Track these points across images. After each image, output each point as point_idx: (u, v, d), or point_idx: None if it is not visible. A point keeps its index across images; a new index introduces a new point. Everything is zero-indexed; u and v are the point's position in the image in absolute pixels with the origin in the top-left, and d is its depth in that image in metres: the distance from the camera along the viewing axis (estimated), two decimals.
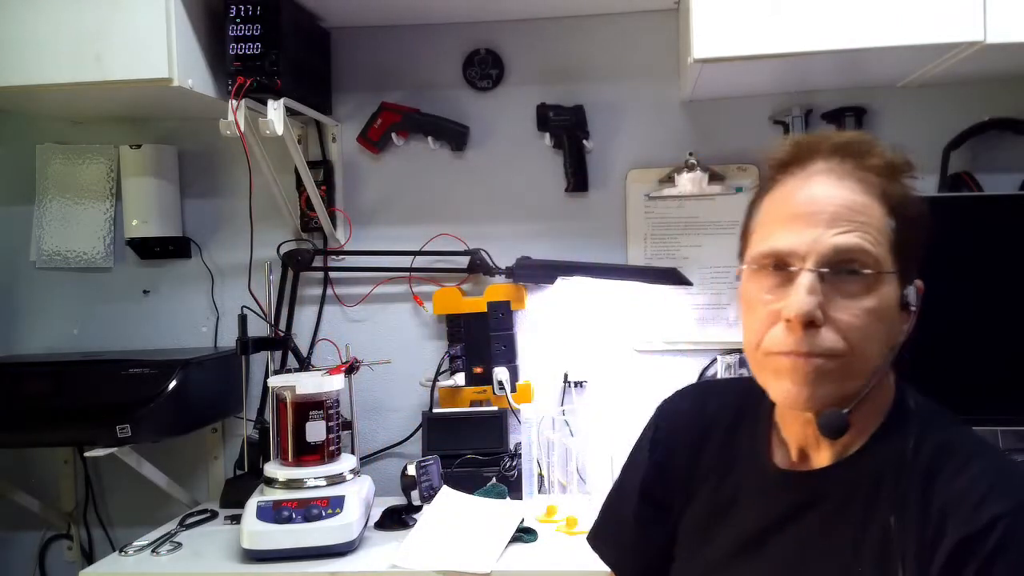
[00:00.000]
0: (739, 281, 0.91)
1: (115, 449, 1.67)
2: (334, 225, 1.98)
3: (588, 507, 1.63)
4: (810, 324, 0.81)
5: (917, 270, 0.88)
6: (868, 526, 0.85)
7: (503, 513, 1.62)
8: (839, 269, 0.82)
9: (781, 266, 0.84)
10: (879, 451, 0.88)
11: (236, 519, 1.65)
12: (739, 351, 1.90)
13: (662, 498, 1.02)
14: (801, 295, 0.81)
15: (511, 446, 1.87)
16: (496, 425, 1.86)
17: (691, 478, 1.00)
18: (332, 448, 1.66)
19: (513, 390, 1.92)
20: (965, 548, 0.78)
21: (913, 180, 0.88)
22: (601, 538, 1.10)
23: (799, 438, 0.92)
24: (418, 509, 1.69)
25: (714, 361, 1.91)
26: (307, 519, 1.52)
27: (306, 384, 1.64)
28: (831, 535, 0.86)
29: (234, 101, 1.61)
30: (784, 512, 0.90)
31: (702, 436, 1.01)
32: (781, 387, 0.85)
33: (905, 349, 0.89)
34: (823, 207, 0.83)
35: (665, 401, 1.09)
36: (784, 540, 0.89)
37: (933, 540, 0.80)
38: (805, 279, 0.81)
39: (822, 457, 0.91)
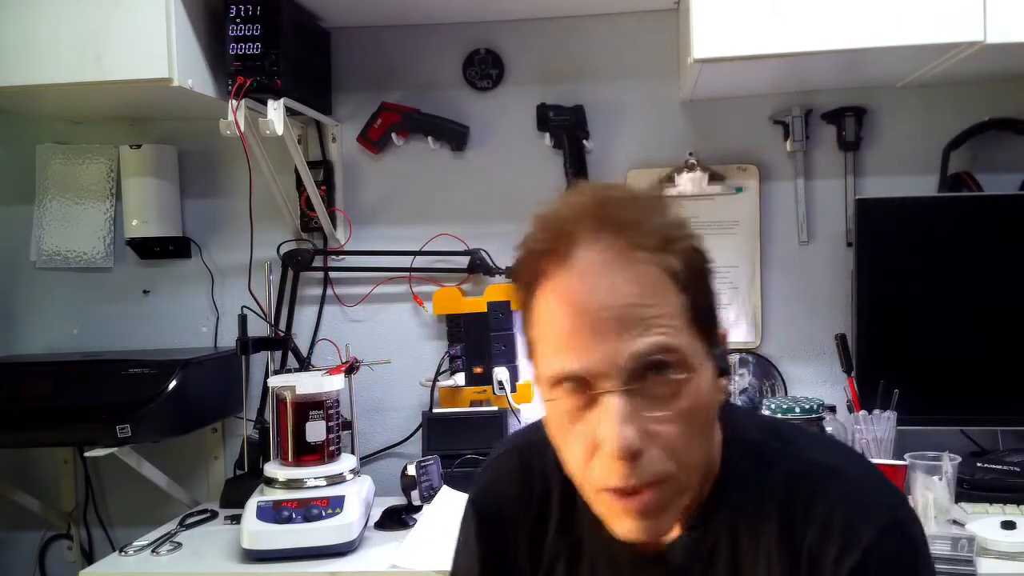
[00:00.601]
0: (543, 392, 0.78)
1: (115, 449, 1.67)
2: (334, 225, 1.98)
3: None
4: (631, 456, 0.71)
5: (718, 321, 0.78)
6: None
7: None
8: (646, 375, 0.71)
9: (581, 387, 0.72)
10: (726, 505, 0.81)
11: (236, 519, 1.65)
12: (739, 351, 1.90)
13: None
14: (615, 428, 0.70)
15: None
16: (496, 425, 1.86)
17: (536, 568, 0.89)
18: (332, 448, 1.66)
19: (513, 390, 1.92)
20: None
21: (690, 231, 0.76)
22: None
23: None
24: (418, 509, 1.69)
25: None
26: (307, 519, 1.52)
27: (306, 384, 1.64)
28: None
29: (234, 101, 1.61)
30: None
31: (537, 513, 0.89)
32: (622, 527, 0.75)
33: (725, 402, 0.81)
34: (607, 312, 0.70)
35: (479, 480, 0.96)
36: None
37: None
38: (614, 405, 0.70)
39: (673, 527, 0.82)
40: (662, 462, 0.72)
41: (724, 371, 0.78)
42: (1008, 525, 1.43)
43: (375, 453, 2.00)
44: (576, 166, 1.92)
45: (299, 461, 1.64)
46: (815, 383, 1.90)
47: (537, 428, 0.87)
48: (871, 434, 1.62)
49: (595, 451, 0.73)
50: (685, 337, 0.73)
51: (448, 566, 0.96)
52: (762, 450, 0.82)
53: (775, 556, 0.77)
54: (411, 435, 1.99)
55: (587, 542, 0.86)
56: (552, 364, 0.74)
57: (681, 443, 0.73)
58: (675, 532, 0.82)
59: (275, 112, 1.64)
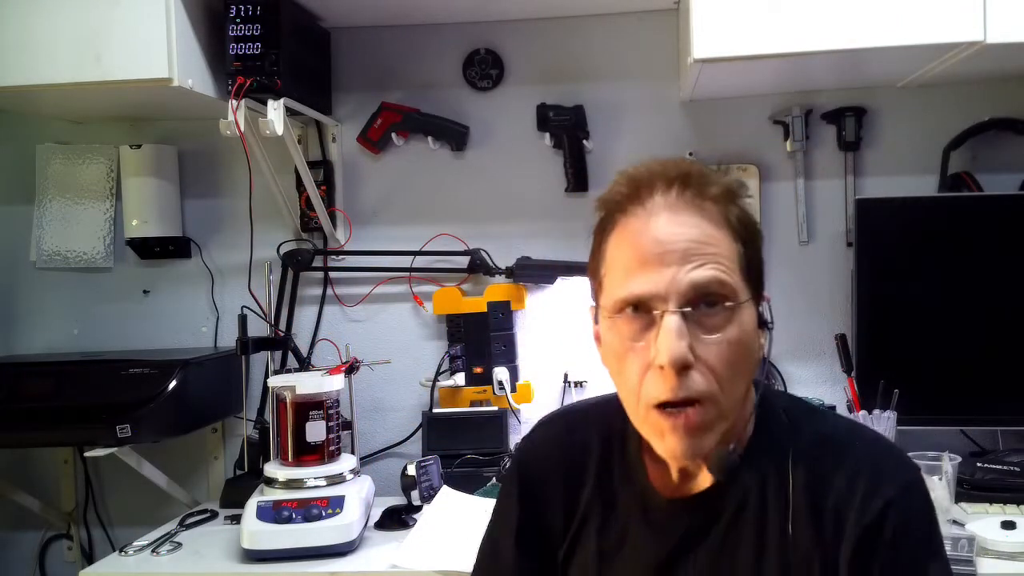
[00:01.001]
0: (596, 324, 0.90)
1: (115, 449, 1.67)
2: (334, 225, 1.98)
3: None
4: (681, 368, 0.80)
5: (763, 279, 0.89)
6: (765, 539, 0.86)
7: None
8: (699, 305, 0.81)
9: (642, 310, 0.82)
10: (758, 462, 0.88)
11: (236, 519, 1.65)
12: None
13: (542, 546, 0.97)
14: (672, 340, 0.79)
15: (511, 446, 1.86)
16: (496, 425, 1.86)
17: (571, 521, 0.95)
18: (332, 448, 1.66)
19: (513, 390, 1.92)
20: (867, 541, 0.82)
21: (747, 199, 0.89)
22: None
23: (677, 464, 0.91)
24: (418, 509, 1.69)
25: None
26: (307, 519, 1.52)
27: (306, 384, 1.64)
28: (731, 555, 0.87)
29: (234, 101, 1.61)
30: (679, 542, 0.89)
31: (574, 473, 0.96)
32: (667, 446, 0.83)
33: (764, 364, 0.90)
34: (673, 244, 0.81)
35: (524, 441, 1.04)
36: (685, 569, 0.88)
37: (833, 540, 0.83)
38: (671, 322, 0.80)
39: (704, 477, 0.89)
40: (707, 382, 0.80)
41: (764, 324, 0.88)
42: (1008, 525, 1.43)
43: (375, 453, 2.00)
44: (576, 166, 1.92)
45: (299, 461, 1.64)
46: (815, 383, 1.90)
47: (582, 402, 1.02)
48: None
49: (648, 369, 0.81)
50: (737, 278, 0.83)
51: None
52: (792, 415, 0.91)
53: (803, 511, 0.84)
54: (411, 435, 1.99)
55: (621, 495, 0.93)
56: (621, 289, 0.83)
57: (724, 369, 0.81)
58: (705, 484, 0.89)
59: (275, 112, 1.64)
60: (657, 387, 0.81)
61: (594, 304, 0.90)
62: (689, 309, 0.81)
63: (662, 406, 0.81)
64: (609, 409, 0.94)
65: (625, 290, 0.83)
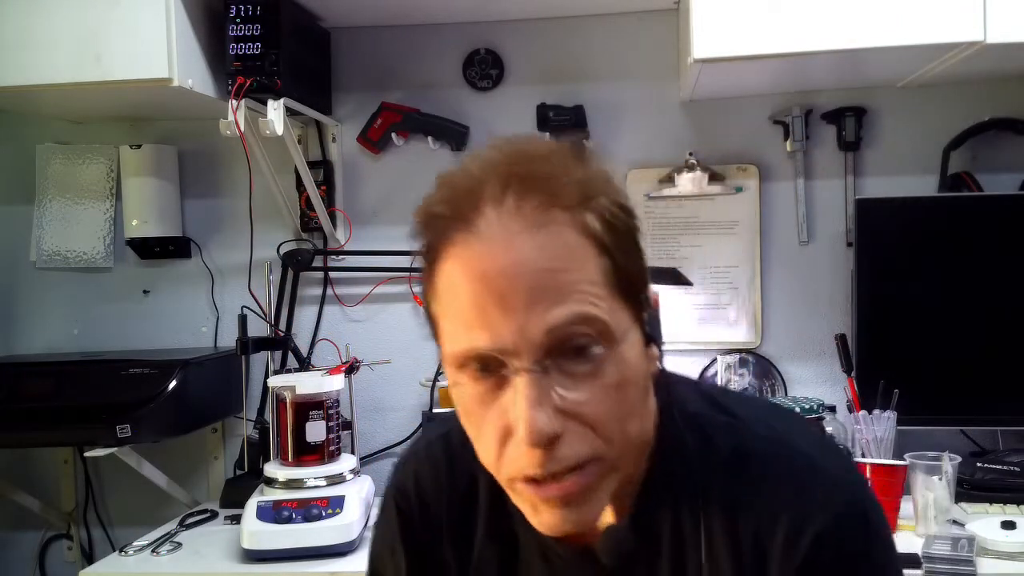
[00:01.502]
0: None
1: (115, 449, 1.67)
2: (334, 225, 1.98)
3: None
4: (548, 442, 0.63)
5: (647, 281, 0.69)
6: (684, 574, 0.72)
7: None
8: (559, 351, 0.63)
9: (490, 369, 0.64)
10: (665, 483, 0.73)
11: (236, 519, 1.65)
12: (739, 351, 1.91)
13: None
14: (527, 412, 0.62)
15: None
16: None
17: (466, 569, 0.80)
18: (332, 448, 1.66)
19: None
20: None
21: (611, 187, 0.68)
22: None
23: None
24: None
25: (714, 361, 1.91)
26: (307, 519, 1.53)
27: (306, 384, 1.64)
28: None
29: (234, 101, 1.61)
30: None
31: (462, 509, 0.81)
32: (542, 520, 0.67)
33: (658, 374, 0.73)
34: (516, 281, 0.62)
35: (399, 478, 0.85)
36: None
37: (756, 573, 0.69)
38: (525, 386, 0.62)
39: (606, 518, 0.74)
40: (583, 444, 0.64)
41: (653, 339, 0.70)
42: (1008, 525, 1.43)
43: (375, 453, 2.00)
44: None
45: (299, 461, 1.64)
46: (815, 383, 1.90)
47: (458, 423, 0.77)
48: (871, 434, 1.62)
49: (508, 437, 0.64)
50: (607, 305, 0.64)
51: None
52: (703, 423, 0.74)
53: (721, 544, 0.70)
54: (411, 435, 1.99)
55: (522, 540, 0.78)
56: (458, 342, 0.65)
57: (606, 422, 0.64)
58: (608, 518, 0.74)
59: (275, 112, 1.64)
60: (521, 462, 0.64)
61: (437, 346, 0.70)
62: (548, 362, 0.63)
63: (530, 480, 0.65)
64: None
65: (463, 344, 0.64)
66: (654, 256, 1.93)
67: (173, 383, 1.70)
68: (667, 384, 0.74)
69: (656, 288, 0.72)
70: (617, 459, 0.67)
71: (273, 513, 1.53)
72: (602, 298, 0.64)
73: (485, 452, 0.68)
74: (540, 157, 0.67)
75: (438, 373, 1.96)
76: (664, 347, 0.72)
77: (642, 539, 0.73)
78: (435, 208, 0.67)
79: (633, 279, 0.67)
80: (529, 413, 0.62)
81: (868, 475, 1.54)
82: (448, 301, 0.66)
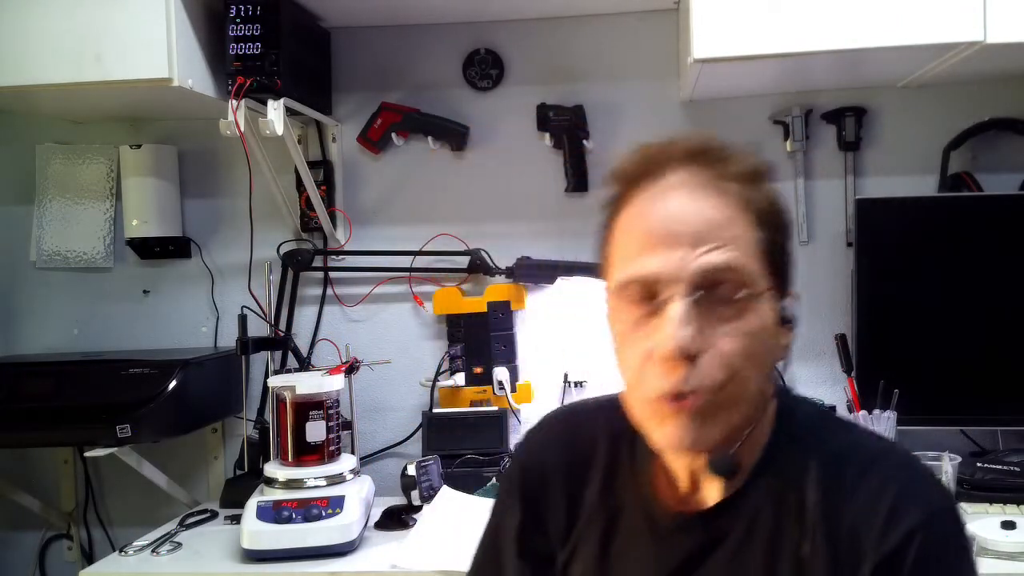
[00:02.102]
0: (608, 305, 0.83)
1: (115, 449, 1.67)
2: (334, 225, 1.98)
3: None
4: (687, 358, 0.73)
5: (789, 283, 0.82)
6: (777, 561, 0.78)
7: None
8: (710, 293, 0.74)
9: (648, 295, 0.76)
10: (772, 473, 0.81)
11: (236, 519, 1.65)
12: None
13: (543, 550, 0.90)
14: (675, 328, 0.72)
15: (511, 446, 1.87)
16: (496, 425, 1.86)
17: (574, 523, 0.89)
18: (332, 448, 1.66)
19: (513, 390, 1.92)
20: (885, 569, 0.73)
21: (774, 184, 0.81)
22: None
23: (687, 470, 0.84)
24: (418, 509, 1.69)
25: None
26: (307, 519, 1.52)
27: (306, 384, 1.64)
28: (740, 574, 0.79)
29: (234, 101, 1.61)
30: (683, 559, 0.82)
31: (578, 474, 0.90)
32: (664, 434, 0.77)
33: (785, 364, 0.84)
34: (684, 224, 0.75)
35: (526, 437, 0.97)
36: None
37: (849, 563, 0.75)
38: (675, 309, 0.73)
39: (713, 491, 0.83)
40: (714, 371, 0.73)
41: (787, 321, 0.81)
42: (1008, 525, 1.43)
43: (375, 453, 2.00)
44: (576, 166, 1.92)
45: (299, 461, 1.64)
46: (815, 383, 1.90)
47: (590, 400, 0.96)
48: None
49: (651, 358, 0.75)
50: (754, 268, 0.76)
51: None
52: (813, 426, 0.83)
53: (818, 532, 0.76)
54: (411, 435, 1.99)
55: (627, 502, 0.87)
56: (627, 269, 0.77)
57: (737, 361, 0.74)
58: (715, 497, 0.82)
59: (275, 112, 1.64)
60: (658, 379, 0.74)
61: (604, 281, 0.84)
62: (700, 294, 0.74)
63: (663, 397, 0.75)
64: (618, 410, 0.86)
65: (630, 270, 0.76)
66: None
67: (173, 383, 1.70)
68: (785, 392, 0.85)
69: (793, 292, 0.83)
70: (736, 402, 0.76)
71: (273, 513, 1.53)
72: (751, 261, 0.76)
73: (629, 371, 0.78)
74: (721, 144, 0.80)
75: (438, 373, 1.96)
76: (793, 336, 0.82)
77: (744, 512, 0.80)
78: (629, 165, 0.82)
79: (779, 260, 0.79)
80: (675, 330, 0.72)
81: None
82: (626, 237, 0.79)
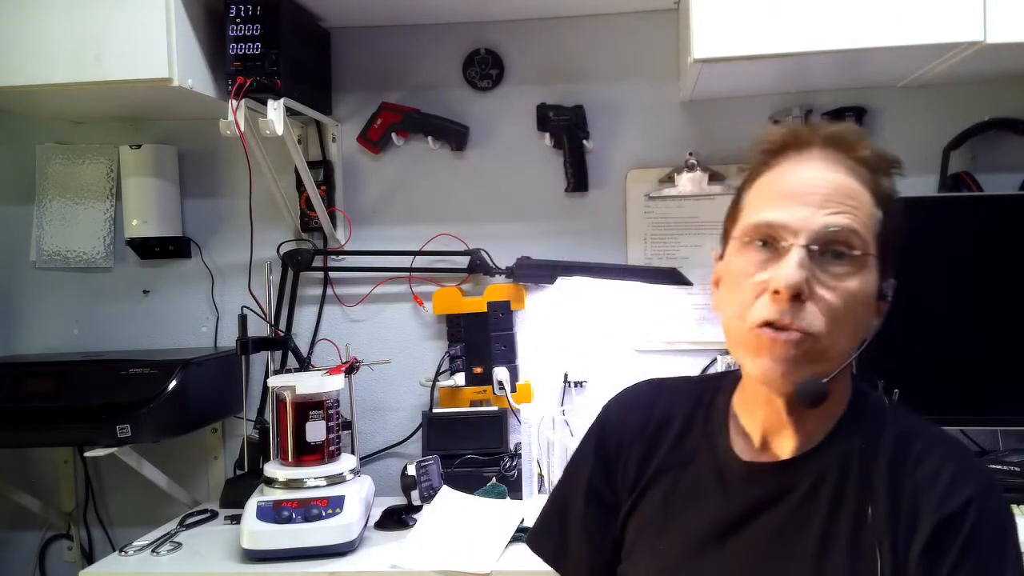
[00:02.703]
0: (717, 268, 0.94)
1: (115, 449, 1.67)
2: (334, 225, 1.98)
3: None
4: (796, 298, 0.82)
5: (894, 270, 0.92)
6: (838, 516, 0.85)
7: (503, 513, 1.62)
8: (827, 249, 0.84)
9: (771, 241, 0.85)
10: (842, 441, 0.89)
11: (236, 519, 1.65)
12: None
13: (609, 499, 1.00)
14: (791, 268, 0.82)
15: (511, 446, 1.87)
16: (496, 425, 1.86)
17: (641, 479, 0.98)
18: (332, 448, 1.66)
19: (513, 390, 1.92)
20: (944, 529, 0.80)
21: (898, 180, 0.90)
22: (543, 539, 1.06)
23: (763, 426, 0.92)
24: (418, 509, 1.69)
25: (714, 361, 1.91)
26: (307, 519, 1.52)
27: (306, 384, 1.64)
28: (798, 527, 0.87)
29: (234, 101, 1.61)
30: (749, 506, 0.90)
31: (653, 435, 0.99)
32: (758, 363, 0.85)
33: (871, 345, 0.91)
34: (816, 187, 0.85)
35: (612, 400, 1.07)
36: (749, 534, 0.89)
37: (908, 524, 0.82)
38: (796, 254, 0.83)
39: (785, 448, 0.91)
40: (816, 319, 0.83)
41: (884, 296, 0.90)
42: None
43: (375, 453, 2.00)
44: (576, 166, 1.92)
45: (299, 461, 1.64)
46: None
47: (676, 377, 1.06)
48: None
49: (762, 294, 0.84)
50: (870, 239, 0.86)
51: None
52: (882, 409, 0.92)
53: (881, 494, 0.84)
54: (411, 435, 1.99)
55: (699, 454, 0.95)
56: (759, 215, 0.86)
57: (836, 316, 0.83)
58: (786, 454, 0.90)
59: (275, 112, 1.64)
60: (766, 308, 0.83)
61: (720, 249, 0.95)
62: (816, 249, 0.83)
63: (767, 325, 0.83)
64: (701, 385, 0.99)
65: (760, 216, 0.86)
66: (654, 256, 1.93)
67: (173, 383, 1.70)
68: (857, 381, 0.94)
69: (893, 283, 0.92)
70: (828, 352, 0.84)
71: (273, 513, 1.53)
72: (868, 229, 0.86)
73: (738, 304, 0.87)
74: (861, 134, 0.90)
75: (438, 373, 1.96)
76: (887, 308, 0.92)
77: (812, 469, 0.88)
78: (776, 137, 0.91)
79: (889, 242, 0.89)
80: (792, 269, 0.82)
81: None
82: (762, 192, 0.89)
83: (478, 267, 1.93)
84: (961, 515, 0.80)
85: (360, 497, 1.59)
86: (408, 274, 1.98)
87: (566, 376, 1.95)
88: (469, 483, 1.74)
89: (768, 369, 0.84)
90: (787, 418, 0.90)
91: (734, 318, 0.88)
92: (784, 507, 0.88)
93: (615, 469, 1.00)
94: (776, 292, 0.82)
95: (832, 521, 0.85)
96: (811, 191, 0.85)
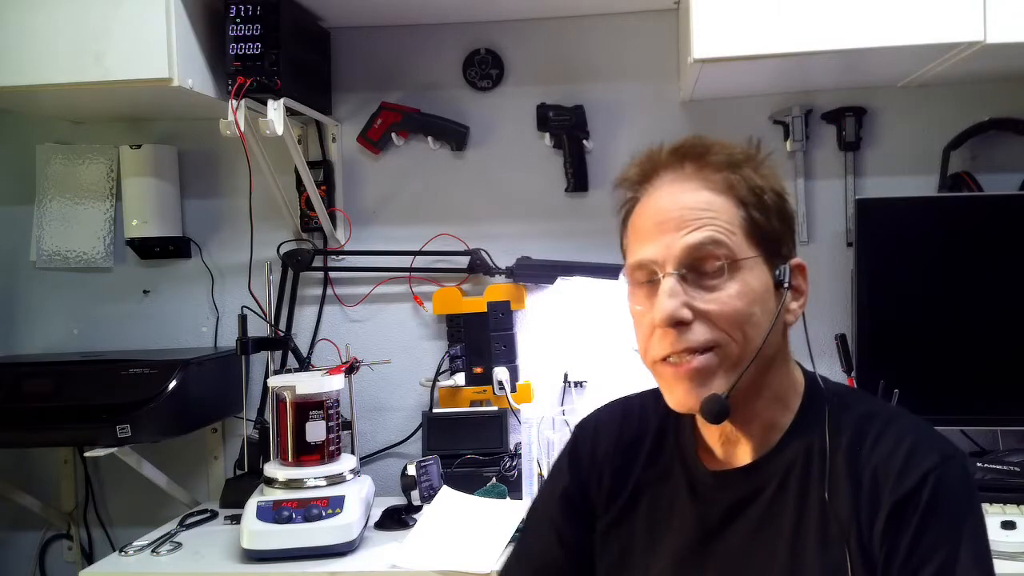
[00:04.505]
0: None
1: (115, 449, 1.67)
2: (334, 225, 1.98)
3: None
4: (679, 324, 0.85)
5: (791, 249, 0.92)
6: (805, 509, 0.87)
7: (503, 513, 1.62)
8: (695, 267, 0.86)
9: (649, 278, 0.88)
10: (801, 436, 0.91)
11: (236, 519, 1.65)
12: None
13: (583, 517, 1.02)
14: (663, 299, 0.85)
15: (511, 446, 1.87)
16: (496, 425, 1.86)
17: (620, 492, 1.00)
18: (332, 448, 1.66)
19: (513, 390, 1.92)
20: (902, 507, 0.81)
21: (760, 168, 0.90)
22: (515, 565, 1.06)
23: (719, 437, 0.95)
24: (418, 509, 1.69)
25: None
26: (307, 519, 1.52)
27: (306, 384, 1.64)
28: (771, 525, 0.88)
29: (234, 101, 1.61)
30: (723, 513, 0.92)
31: (628, 450, 1.01)
32: (673, 395, 0.89)
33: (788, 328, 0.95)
34: (670, 212, 0.88)
35: (583, 420, 1.09)
36: (727, 539, 0.91)
37: (869, 507, 0.83)
38: (665, 284, 0.85)
39: (744, 454, 0.93)
40: (705, 332, 0.85)
41: (781, 285, 0.90)
42: (1008, 525, 1.43)
43: (375, 453, 2.00)
44: (576, 166, 1.92)
45: (299, 461, 1.64)
46: None
47: (645, 391, 1.04)
48: None
49: (654, 329, 0.87)
50: (737, 240, 0.86)
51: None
52: (840, 396, 0.93)
53: (842, 480, 0.86)
54: (411, 435, 1.99)
55: (672, 470, 0.98)
56: (633, 256, 0.90)
57: (728, 321, 0.85)
58: (750, 457, 0.92)
59: (275, 112, 1.64)
60: (659, 344, 0.87)
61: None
62: (685, 271, 0.86)
63: (665, 359, 0.87)
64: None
65: (634, 258, 0.90)
66: None
67: (173, 383, 1.70)
68: (815, 374, 0.97)
69: (798, 261, 0.92)
70: (738, 356, 0.86)
71: (273, 513, 1.53)
72: (733, 234, 0.86)
73: (642, 342, 0.90)
74: (705, 140, 0.91)
75: (438, 373, 1.96)
76: (802, 300, 0.94)
77: (778, 467, 0.90)
78: (631, 171, 0.94)
79: (766, 231, 0.88)
80: (664, 300, 0.85)
81: None
82: (633, 230, 0.92)
83: (478, 267, 1.93)
84: (917, 490, 0.81)
85: (360, 497, 1.59)
86: (408, 274, 1.98)
87: (566, 376, 1.95)
88: (469, 483, 1.74)
89: (680, 399, 0.88)
90: (732, 428, 0.92)
91: (642, 355, 0.91)
92: (755, 509, 0.90)
93: (589, 481, 1.02)
94: (660, 327, 0.86)
95: (800, 516, 0.87)
96: (667, 217, 0.87)
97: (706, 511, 0.93)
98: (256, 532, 1.51)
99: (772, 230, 0.89)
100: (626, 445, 1.02)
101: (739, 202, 0.88)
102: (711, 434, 0.95)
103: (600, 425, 1.06)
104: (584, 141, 1.91)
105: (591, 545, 1.01)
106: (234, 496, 1.77)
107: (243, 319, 1.78)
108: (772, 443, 0.91)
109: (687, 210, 0.87)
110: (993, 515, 1.50)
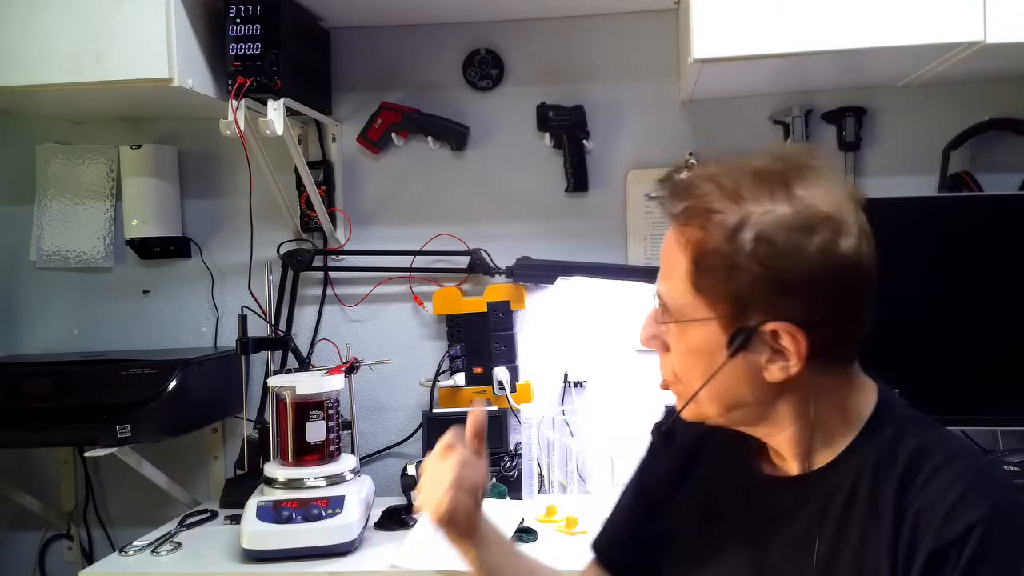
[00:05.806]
0: None
1: (115, 449, 1.67)
2: (334, 225, 1.98)
3: (588, 507, 1.64)
4: (665, 349, 0.91)
5: (774, 311, 0.82)
6: (846, 533, 0.84)
7: (503, 513, 1.62)
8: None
9: None
10: (857, 457, 0.87)
11: (236, 519, 1.65)
12: None
13: (650, 497, 1.06)
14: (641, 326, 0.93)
15: (511, 446, 1.87)
16: (496, 425, 1.86)
17: (682, 483, 1.03)
18: (332, 448, 1.66)
19: (513, 390, 1.92)
20: (941, 558, 0.76)
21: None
22: (601, 538, 1.11)
23: (770, 447, 0.95)
24: None
25: None
26: (307, 519, 1.53)
27: (306, 384, 1.64)
28: (805, 546, 0.86)
29: (234, 101, 1.61)
30: (771, 516, 0.92)
31: (694, 448, 1.03)
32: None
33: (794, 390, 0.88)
34: (662, 252, 0.92)
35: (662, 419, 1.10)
36: (768, 548, 0.91)
37: (908, 548, 0.79)
38: (646, 313, 0.93)
39: (793, 465, 0.92)
40: (664, 368, 0.93)
41: (738, 347, 0.83)
42: None
43: (375, 453, 2.00)
44: (576, 166, 1.92)
45: (299, 461, 1.64)
46: None
47: None
48: None
49: None
50: (682, 297, 0.86)
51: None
52: (904, 424, 0.88)
53: (885, 510, 0.82)
54: (411, 435, 1.99)
55: (732, 469, 0.99)
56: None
57: (679, 369, 0.90)
58: (798, 467, 0.91)
59: (275, 112, 1.64)
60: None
61: None
62: (656, 310, 0.92)
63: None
64: None
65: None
66: (654, 256, 1.93)
67: (173, 383, 1.70)
68: (889, 396, 0.92)
69: (784, 326, 0.82)
70: (686, 396, 0.89)
71: (273, 513, 1.53)
72: (680, 291, 0.86)
73: None
74: (684, 180, 0.89)
75: (438, 373, 1.96)
76: (789, 363, 0.84)
77: (827, 484, 0.88)
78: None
79: (717, 292, 0.84)
80: (642, 327, 0.92)
81: None
82: None
83: (478, 267, 1.93)
84: (960, 543, 0.76)
85: (360, 497, 1.59)
86: (408, 274, 1.98)
87: (566, 376, 1.95)
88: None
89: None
90: (777, 443, 0.92)
91: None
92: (794, 525, 0.89)
93: (660, 473, 1.06)
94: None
95: (840, 539, 0.84)
96: (661, 255, 0.92)
97: (752, 517, 0.93)
98: (256, 532, 1.52)
99: (721, 287, 0.83)
100: (693, 445, 1.03)
101: (688, 256, 0.85)
102: (764, 442, 0.95)
103: (677, 423, 1.01)
104: (584, 141, 1.91)
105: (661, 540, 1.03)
106: (234, 496, 1.77)
107: (243, 319, 1.78)
108: (827, 458, 0.89)
109: (663, 258, 0.90)
110: None
